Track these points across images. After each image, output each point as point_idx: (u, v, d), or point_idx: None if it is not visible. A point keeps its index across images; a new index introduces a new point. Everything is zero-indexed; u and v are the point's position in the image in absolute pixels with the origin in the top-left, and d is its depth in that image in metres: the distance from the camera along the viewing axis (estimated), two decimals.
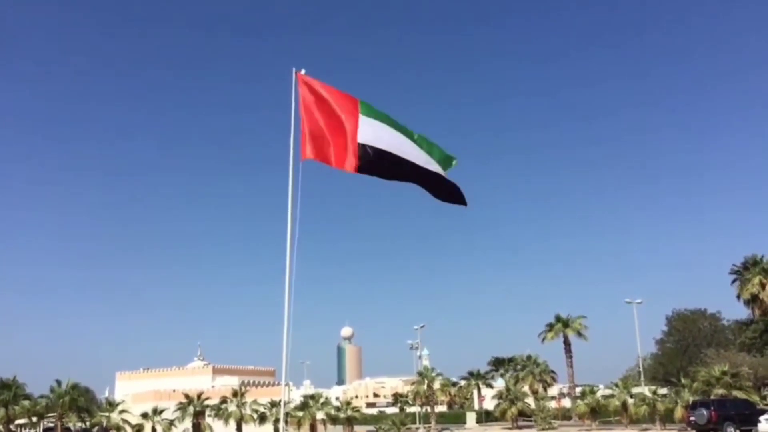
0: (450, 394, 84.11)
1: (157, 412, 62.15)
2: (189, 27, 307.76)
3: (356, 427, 65.54)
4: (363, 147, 9.80)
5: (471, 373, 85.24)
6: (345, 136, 10.00)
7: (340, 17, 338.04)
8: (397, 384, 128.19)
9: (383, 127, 10.01)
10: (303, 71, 10.40)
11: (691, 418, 43.71)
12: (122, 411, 62.72)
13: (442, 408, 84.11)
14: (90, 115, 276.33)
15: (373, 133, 9.92)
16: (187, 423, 62.12)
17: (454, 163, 10.28)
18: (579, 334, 67.69)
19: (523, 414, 63.81)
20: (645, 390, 57.88)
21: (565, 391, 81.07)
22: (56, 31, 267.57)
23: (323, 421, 63.87)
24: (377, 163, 9.84)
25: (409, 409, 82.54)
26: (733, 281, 62.71)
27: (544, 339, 69.50)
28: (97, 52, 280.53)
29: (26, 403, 60.96)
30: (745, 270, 61.58)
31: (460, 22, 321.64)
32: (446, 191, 10.16)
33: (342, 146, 10.00)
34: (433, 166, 10.05)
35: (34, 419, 63.68)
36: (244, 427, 63.71)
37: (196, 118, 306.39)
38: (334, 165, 10.06)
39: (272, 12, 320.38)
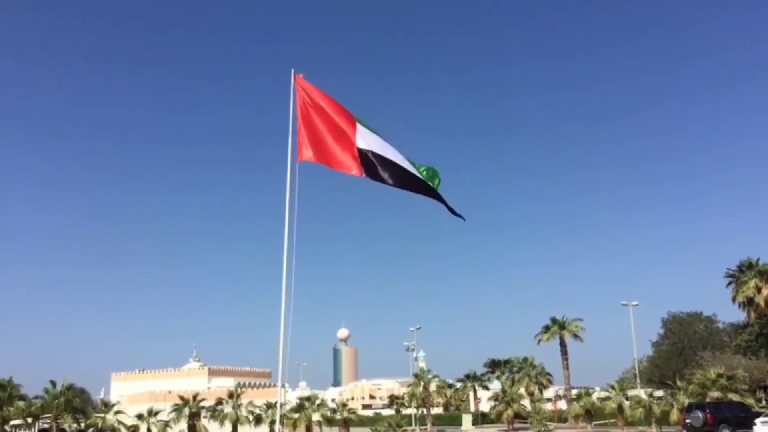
0: (446, 396, 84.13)
1: (152, 413, 61.94)
2: (188, 28, 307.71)
3: (352, 429, 65.45)
4: (363, 153, 9.90)
5: (467, 375, 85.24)
6: (344, 140, 10.05)
7: (340, 19, 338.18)
8: (393, 386, 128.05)
9: (376, 137, 10.10)
10: (302, 75, 10.43)
11: (687, 421, 43.77)
12: (117, 412, 62.46)
13: (438, 410, 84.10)
14: (88, 115, 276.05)
15: (370, 140, 10.02)
16: (183, 424, 61.88)
17: (437, 182, 10.15)
18: (575, 336, 67.76)
19: (518, 416, 63.80)
20: (641, 392, 57.95)
21: (561, 393, 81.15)
22: (58, 31, 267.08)
23: (319, 423, 63.75)
24: (378, 169, 9.94)
25: (405, 411, 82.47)
26: (729, 284, 62.85)
27: (540, 341, 69.58)
28: (98, 52, 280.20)
29: (21, 403, 60.71)
30: (740, 273, 61.70)
31: (460, 24, 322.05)
32: (439, 199, 10.17)
33: (342, 149, 10.05)
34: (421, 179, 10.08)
35: (29, 420, 63.36)
36: (240, 429, 63.51)
37: (192, 118, 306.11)
38: (335, 167, 10.10)
39: (273, 13, 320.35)
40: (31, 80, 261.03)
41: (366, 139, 10.03)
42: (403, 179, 9.92)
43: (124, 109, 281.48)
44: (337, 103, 10.35)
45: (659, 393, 57.93)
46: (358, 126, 10.08)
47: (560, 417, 71.17)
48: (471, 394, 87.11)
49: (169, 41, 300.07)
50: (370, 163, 9.92)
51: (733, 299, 62.28)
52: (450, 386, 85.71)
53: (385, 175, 9.92)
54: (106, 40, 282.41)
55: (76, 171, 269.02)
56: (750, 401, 49.61)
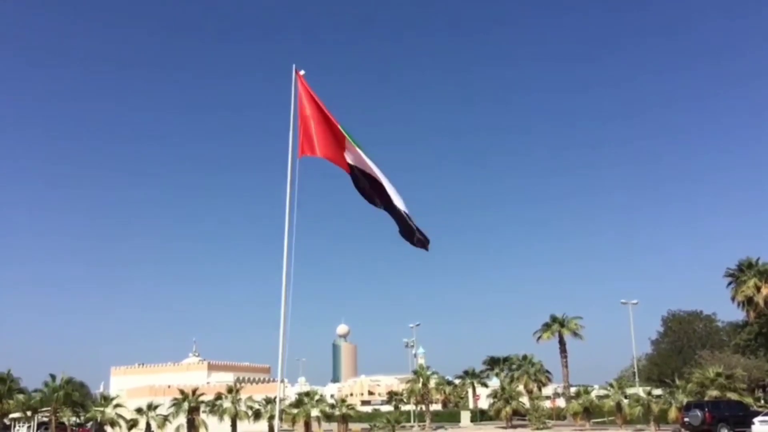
0: (445, 392, 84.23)
1: (151, 407, 61.97)
2: (189, 26, 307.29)
3: (351, 425, 65.54)
4: (351, 166, 10.09)
5: (466, 372, 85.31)
6: (340, 140, 10.10)
7: (342, 16, 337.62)
8: (393, 382, 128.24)
9: (362, 154, 10.08)
10: (302, 72, 10.39)
11: (686, 419, 43.84)
12: (117, 406, 62.53)
13: (437, 407, 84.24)
14: (87, 114, 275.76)
15: (356, 155, 10.11)
16: (182, 419, 61.94)
17: None
18: (574, 334, 67.80)
19: (517, 413, 63.89)
20: (639, 390, 58.01)
21: (559, 390, 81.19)
22: (58, 31, 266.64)
23: (318, 419, 63.84)
24: (361, 183, 10.10)
25: (404, 408, 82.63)
26: (729, 284, 62.86)
27: (539, 339, 69.61)
28: (99, 51, 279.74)
29: (20, 397, 60.80)
30: (740, 272, 61.71)
31: (461, 24, 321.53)
32: (410, 231, 9.93)
33: (339, 147, 10.07)
34: (401, 204, 9.92)
35: (28, 413, 63.45)
36: (239, 424, 63.61)
37: (190, 116, 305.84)
38: (334, 161, 10.13)
39: (275, 10, 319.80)
40: (32, 80, 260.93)
41: (352, 155, 10.12)
42: (381, 199, 9.94)
43: (122, 108, 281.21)
44: (329, 115, 10.40)
45: (658, 391, 57.96)
46: (347, 140, 10.14)
47: (559, 415, 71.22)
48: (470, 391, 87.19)
49: (168, 40, 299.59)
50: (354, 175, 10.10)
51: (733, 298, 62.33)
52: (449, 383, 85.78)
53: (364, 190, 10.10)
54: (107, 39, 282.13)
55: (76, 170, 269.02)
56: (748, 400, 49.61)
